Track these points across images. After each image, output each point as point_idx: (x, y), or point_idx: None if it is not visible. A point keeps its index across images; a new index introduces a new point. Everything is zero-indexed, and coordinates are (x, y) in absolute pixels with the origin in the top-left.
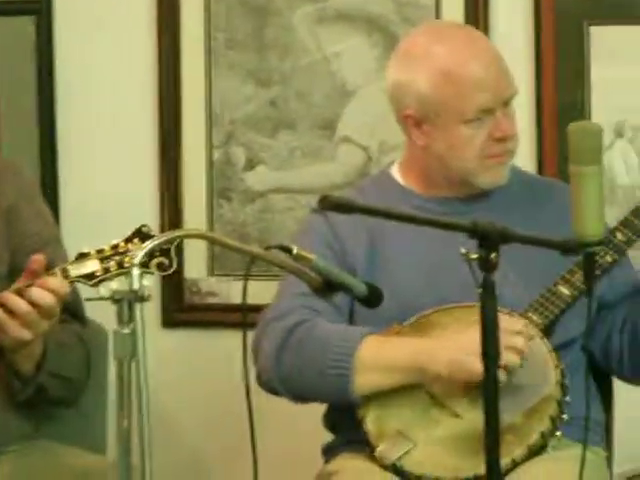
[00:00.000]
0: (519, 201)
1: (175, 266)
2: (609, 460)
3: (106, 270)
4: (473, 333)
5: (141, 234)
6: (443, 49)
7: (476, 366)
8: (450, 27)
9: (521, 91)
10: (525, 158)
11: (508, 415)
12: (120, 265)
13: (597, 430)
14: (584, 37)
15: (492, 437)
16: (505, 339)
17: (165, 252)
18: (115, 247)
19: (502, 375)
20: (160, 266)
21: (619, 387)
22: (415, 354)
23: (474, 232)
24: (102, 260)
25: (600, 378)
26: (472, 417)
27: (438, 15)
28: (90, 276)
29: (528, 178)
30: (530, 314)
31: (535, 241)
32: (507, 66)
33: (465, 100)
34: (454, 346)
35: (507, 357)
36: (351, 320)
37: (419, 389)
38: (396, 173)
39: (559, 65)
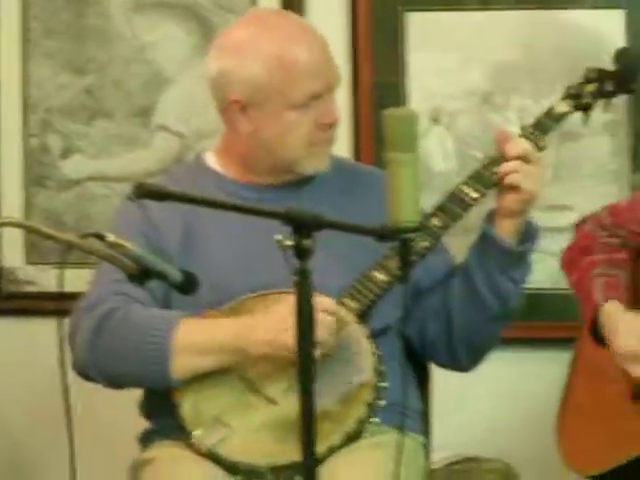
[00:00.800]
0: (337, 188)
1: None
2: (426, 446)
3: None
4: (283, 310)
5: None
6: (273, 36)
7: (289, 341)
8: (276, 15)
9: None
10: (342, 144)
11: (324, 402)
12: None
13: (415, 417)
14: (400, 23)
15: (307, 423)
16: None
17: None
18: None
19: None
20: None
21: (436, 374)
22: (233, 334)
23: (288, 219)
24: None
25: (417, 365)
26: (288, 403)
27: (253, 2)
28: None
29: (347, 165)
30: (345, 299)
31: (350, 228)
32: (331, 52)
33: (296, 85)
34: (267, 324)
35: (320, 334)
36: (168, 307)
37: (235, 374)
38: (211, 159)
39: (375, 51)
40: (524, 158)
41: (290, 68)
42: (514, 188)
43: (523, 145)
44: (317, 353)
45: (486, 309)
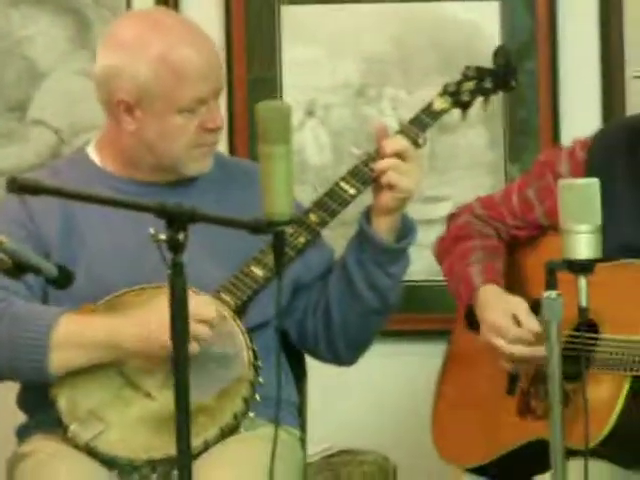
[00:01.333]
0: (218, 186)
1: None
2: (303, 440)
3: None
4: (159, 305)
5: None
6: (161, 36)
7: (163, 338)
8: (167, 15)
9: None
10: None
11: (200, 396)
12: None
13: (291, 410)
14: (274, 17)
15: (182, 417)
16: (192, 313)
17: None
18: None
19: (194, 346)
20: None
21: (312, 368)
22: (108, 331)
23: (161, 213)
24: None
25: (294, 359)
26: (164, 397)
27: None
28: None
29: (227, 161)
30: (222, 294)
31: (223, 221)
32: (220, 57)
33: (182, 89)
34: (145, 321)
35: (197, 329)
36: (46, 300)
37: (113, 369)
38: (92, 153)
39: (250, 45)
40: (401, 156)
41: (178, 72)
42: (391, 186)
43: (400, 142)
44: (193, 348)
45: (364, 304)
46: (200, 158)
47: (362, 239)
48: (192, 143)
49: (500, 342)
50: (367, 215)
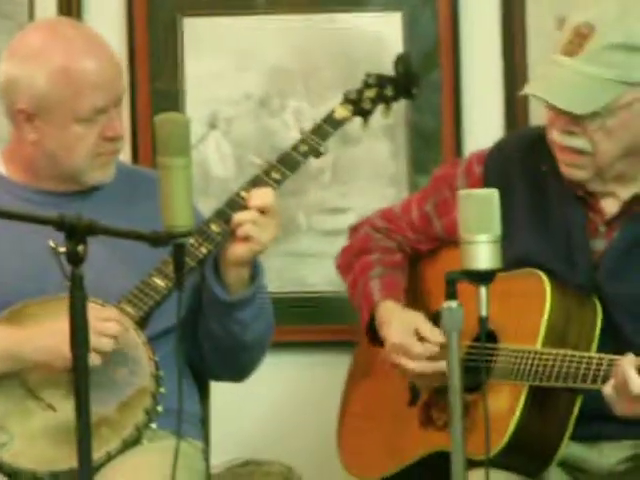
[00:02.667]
0: (122, 195)
1: None
2: (206, 451)
3: None
4: (61, 319)
5: None
6: (60, 47)
7: (65, 350)
8: (66, 25)
9: None
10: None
11: (102, 408)
12: None
13: (193, 422)
14: (178, 28)
15: (84, 429)
16: (95, 326)
17: None
18: None
19: (96, 359)
20: None
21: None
22: (10, 342)
23: (60, 225)
24: None
25: (197, 370)
26: (66, 409)
27: (31, 9)
28: None
29: (131, 171)
30: (124, 306)
31: (123, 234)
32: (120, 64)
33: (81, 99)
34: (47, 333)
35: (99, 342)
36: None
37: (16, 381)
38: None
39: (153, 56)
40: (264, 210)
41: (76, 82)
42: (248, 238)
43: (267, 197)
44: (94, 360)
45: (223, 343)
46: (101, 167)
47: (207, 290)
48: (92, 152)
49: (404, 361)
50: (214, 265)
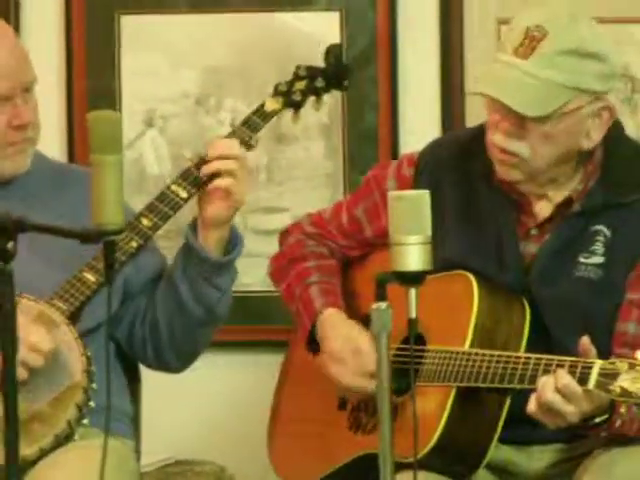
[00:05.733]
0: (44, 189)
1: None
2: (137, 450)
3: None
4: None
5: None
6: None
7: None
8: None
9: (52, 80)
10: (56, 146)
11: (34, 403)
12: None
13: (125, 421)
14: (115, 25)
15: (12, 426)
16: (26, 340)
17: None
18: None
19: (22, 373)
20: None
21: (148, 376)
22: None
23: None
24: None
25: (128, 367)
26: None
27: None
28: None
29: (54, 165)
30: (55, 301)
31: (53, 230)
32: (26, 51)
33: None
34: None
35: (28, 357)
36: None
37: None
38: None
39: (90, 53)
40: (233, 159)
41: None
42: (220, 195)
43: (233, 145)
44: (20, 374)
45: (191, 316)
46: (13, 156)
47: (188, 252)
48: (2, 140)
49: (339, 372)
50: (194, 227)
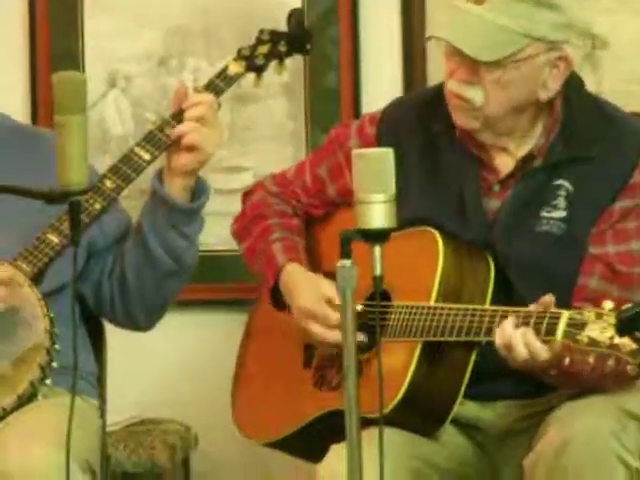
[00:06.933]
0: (12, 151)
1: None
2: (102, 409)
3: None
4: None
5: None
6: None
7: None
8: None
9: (15, 41)
10: (19, 107)
11: None
12: None
13: (89, 379)
14: None
15: None
16: None
17: None
18: None
19: None
20: None
21: (112, 338)
22: None
23: None
24: None
25: (93, 328)
26: None
27: None
28: None
29: (17, 126)
30: (19, 262)
31: (18, 191)
32: None
33: None
34: None
35: None
36: None
37: None
38: None
39: (53, 15)
40: (203, 118)
41: None
42: (192, 148)
43: (206, 98)
44: None
45: (160, 267)
46: None
47: (155, 200)
48: None
49: (319, 329)
50: (160, 176)
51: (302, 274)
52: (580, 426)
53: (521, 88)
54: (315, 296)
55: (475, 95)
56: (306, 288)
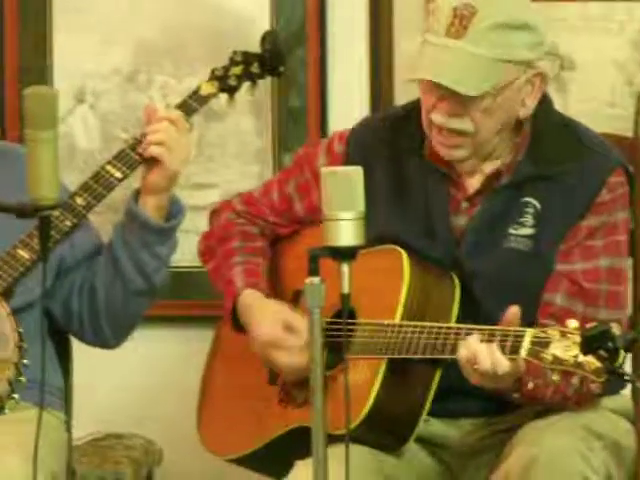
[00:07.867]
0: None
1: None
2: (68, 423)
3: None
4: None
5: None
6: None
7: None
8: None
9: None
10: None
11: None
12: None
13: (56, 394)
14: (47, 2)
15: None
16: None
17: None
18: None
19: None
20: None
21: (79, 351)
22: None
23: None
24: None
25: (60, 343)
26: None
27: None
28: None
29: None
30: None
31: None
32: None
33: None
34: None
35: None
36: None
37: None
38: None
39: (22, 30)
40: (163, 142)
41: None
42: (158, 163)
43: (173, 113)
44: None
45: (129, 285)
46: None
47: (129, 218)
48: None
49: (284, 357)
50: (136, 195)
51: (257, 301)
52: (547, 444)
53: (506, 111)
54: (273, 324)
55: (465, 125)
56: (263, 317)
